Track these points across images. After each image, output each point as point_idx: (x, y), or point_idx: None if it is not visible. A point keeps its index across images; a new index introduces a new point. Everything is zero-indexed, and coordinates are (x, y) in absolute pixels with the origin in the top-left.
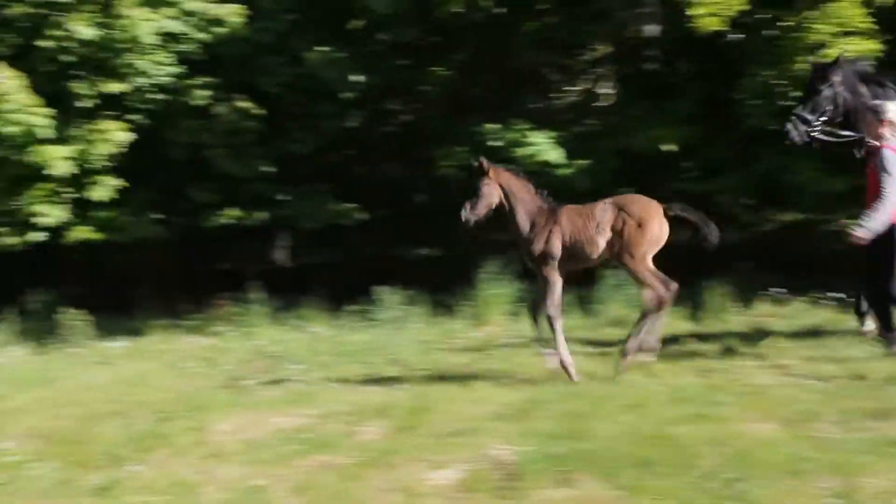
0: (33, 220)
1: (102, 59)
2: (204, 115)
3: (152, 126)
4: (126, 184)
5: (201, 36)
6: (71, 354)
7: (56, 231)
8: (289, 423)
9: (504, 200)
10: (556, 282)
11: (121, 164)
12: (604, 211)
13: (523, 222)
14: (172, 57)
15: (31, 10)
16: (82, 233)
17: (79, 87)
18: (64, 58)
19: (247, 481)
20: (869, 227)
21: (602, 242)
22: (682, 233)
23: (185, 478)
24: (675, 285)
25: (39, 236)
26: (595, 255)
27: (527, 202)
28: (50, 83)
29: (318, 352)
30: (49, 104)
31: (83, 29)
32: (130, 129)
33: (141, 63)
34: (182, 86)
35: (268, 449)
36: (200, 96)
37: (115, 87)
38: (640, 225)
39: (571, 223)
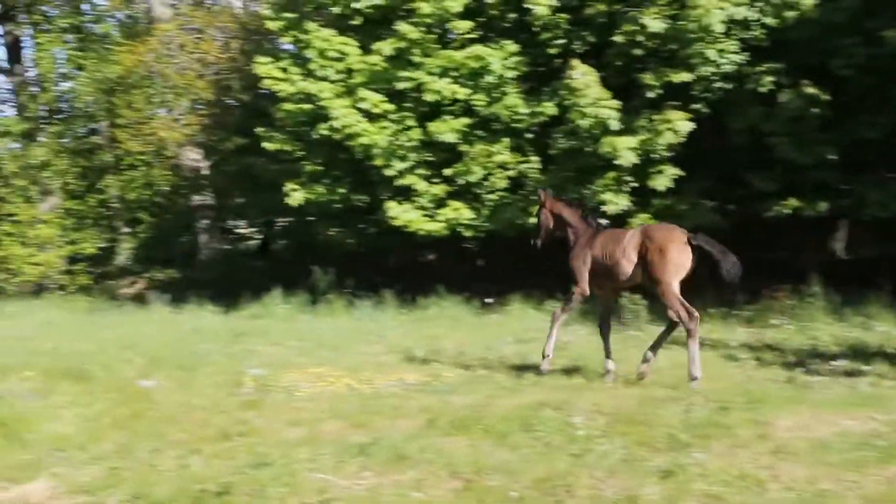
0: (602, 208)
1: (671, 50)
2: (767, 101)
3: (711, 114)
4: (683, 172)
5: (769, 20)
6: (629, 337)
7: (618, 218)
8: (857, 426)
9: (558, 226)
10: (577, 296)
11: (679, 153)
12: (632, 237)
13: (570, 244)
14: (737, 44)
15: (609, 8)
16: (642, 220)
17: (647, 78)
18: (633, 51)
19: (814, 484)
20: None
21: (627, 266)
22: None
23: (748, 471)
24: (696, 314)
25: (604, 223)
26: (623, 277)
27: (575, 226)
28: (619, 76)
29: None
30: (616, 96)
31: (653, 22)
32: (691, 119)
33: (709, 52)
34: (745, 72)
35: (835, 451)
36: (765, 82)
37: (682, 77)
38: (661, 251)
39: (602, 246)
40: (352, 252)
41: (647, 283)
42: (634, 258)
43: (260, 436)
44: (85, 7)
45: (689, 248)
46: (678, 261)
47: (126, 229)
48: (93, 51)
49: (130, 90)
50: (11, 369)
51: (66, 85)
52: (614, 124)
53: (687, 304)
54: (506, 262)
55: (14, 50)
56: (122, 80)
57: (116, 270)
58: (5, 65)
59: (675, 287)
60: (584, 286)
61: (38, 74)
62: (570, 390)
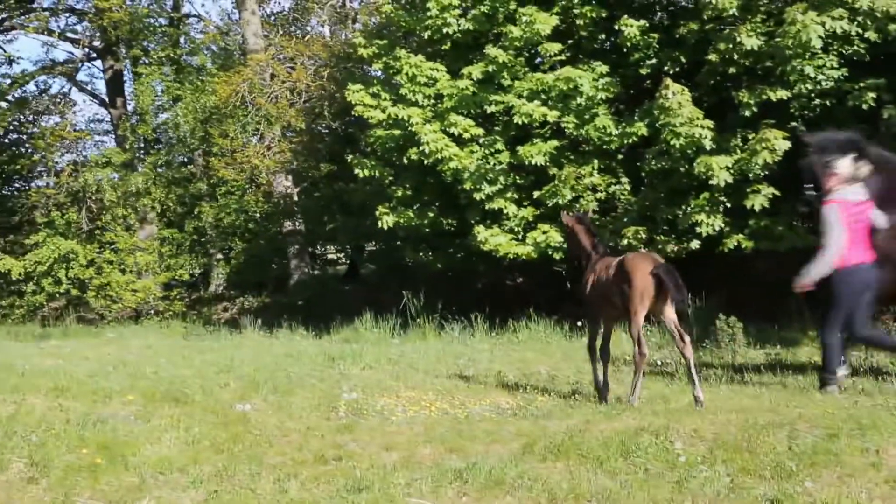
0: (697, 229)
1: (767, 67)
2: (868, 118)
3: (808, 133)
4: (779, 192)
5: (871, 35)
6: (726, 361)
7: (710, 239)
8: None
9: (575, 249)
10: (594, 324)
11: (775, 172)
12: (614, 265)
13: (584, 268)
14: (837, 59)
15: (701, 27)
16: (736, 241)
17: (742, 96)
18: (727, 69)
19: None
20: (808, 275)
21: (612, 293)
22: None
23: (861, 501)
24: (645, 353)
25: (696, 244)
26: (619, 304)
27: (586, 250)
28: (712, 95)
29: None
30: (709, 116)
31: (748, 39)
32: (787, 137)
33: (807, 68)
34: (845, 89)
35: None
36: (866, 99)
37: (779, 95)
38: (629, 281)
39: (597, 273)
40: (440, 276)
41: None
42: (614, 287)
43: (356, 460)
44: (182, 40)
45: (651, 278)
46: (641, 290)
47: (220, 255)
48: (189, 82)
49: (225, 120)
50: (114, 393)
51: (163, 116)
52: (708, 144)
53: (642, 340)
54: None
55: (115, 84)
56: (216, 110)
57: (210, 296)
58: (106, 98)
59: (640, 318)
60: (594, 315)
61: (136, 106)
62: (668, 415)
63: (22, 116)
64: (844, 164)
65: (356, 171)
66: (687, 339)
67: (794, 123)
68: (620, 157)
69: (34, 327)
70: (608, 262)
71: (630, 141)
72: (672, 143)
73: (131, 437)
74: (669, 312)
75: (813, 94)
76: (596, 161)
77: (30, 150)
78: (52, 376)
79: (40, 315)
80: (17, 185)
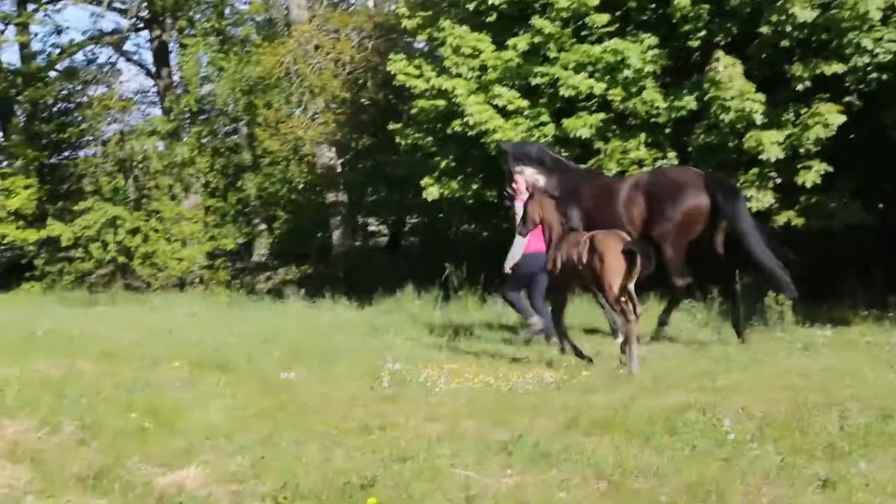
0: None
1: (822, 40)
2: None
3: (864, 107)
4: (832, 168)
5: None
6: (775, 339)
7: (760, 215)
8: None
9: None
10: (560, 295)
11: (827, 148)
12: (585, 243)
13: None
14: (895, 31)
15: None
16: (786, 217)
17: (796, 70)
18: (781, 42)
19: None
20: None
21: (581, 268)
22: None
23: None
24: (634, 317)
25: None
26: (586, 278)
27: (552, 226)
28: (764, 68)
29: None
30: (761, 89)
31: (803, 11)
32: (841, 112)
33: (865, 41)
34: None
35: None
36: None
37: (834, 69)
38: (601, 258)
39: (566, 251)
40: (483, 248)
41: (592, 284)
42: (585, 262)
43: (400, 430)
44: (226, 11)
45: (623, 255)
46: (614, 266)
47: (263, 226)
48: (234, 53)
49: (269, 91)
50: (161, 359)
51: (208, 87)
52: (759, 118)
53: (624, 307)
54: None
55: (161, 54)
56: (261, 81)
57: (254, 265)
58: (152, 68)
59: (615, 290)
60: (560, 285)
61: (182, 77)
62: (715, 392)
63: (70, 86)
64: (528, 172)
65: (398, 140)
66: (638, 312)
67: (849, 98)
68: (668, 131)
69: (83, 294)
70: (576, 240)
71: (678, 115)
72: (721, 117)
73: (178, 403)
74: (630, 285)
75: (869, 68)
76: (643, 135)
77: (78, 120)
78: (101, 342)
79: (88, 282)
80: (66, 153)
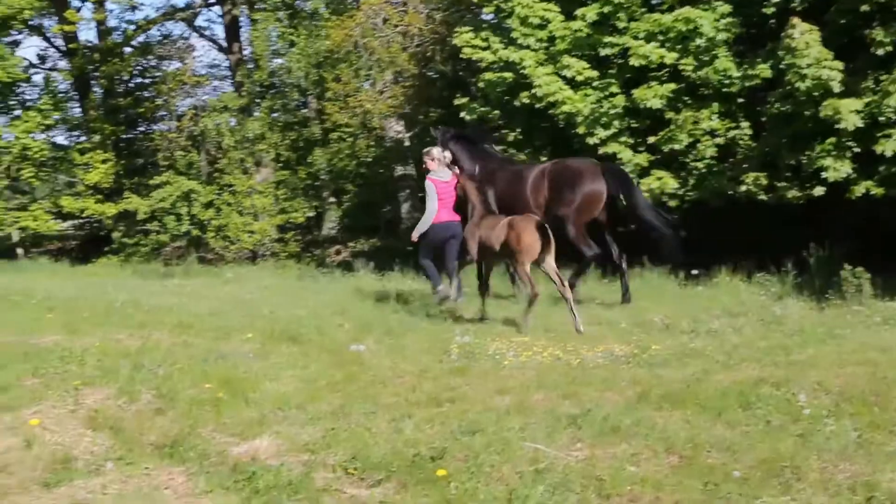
0: (823, 174)
1: None
2: None
3: None
4: None
5: None
6: (853, 312)
7: (836, 185)
8: None
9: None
10: (478, 265)
11: None
12: (503, 226)
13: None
14: None
15: None
16: (864, 187)
17: (877, 35)
18: (860, 7)
19: None
20: (417, 230)
21: (498, 246)
22: None
23: None
24: (539, 289)
25: (820, 190)
26: (502, 254)
27: (475, 206)
28: (842, 34)
29: None
30: (839, 56)
31: None
32: None
33: None
34: None
35: None
36: None
37: None
38: (518, 238)
39: (484, 231)
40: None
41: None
42: (503, 240)
43: (469, 403)
44: None
45: (537, 234)
46: (529, 245)
47: (332, 199)
48: (303, 27)
49: (338, 64)
50: (234, 331)
51: (278, 61)
52: (836, 86)
53: (532, 281)
54: (712, 233)
55: (232, 29)
56: (330, 54)
57: (324, 238)
58: (224, 43)
59: (526, 265)
60: (473, 254)
61: (252, 52)
62: (789, 367)
63: (145, 62)
64: (435, 152)
65: (464, 115)
66: (565, 283)
67: None
68: (741, 100)
69: (158, 266)
70: (494, 223)
71: (752, 84)
72: (797, 85)
73: (251, 374)
74: (550, 261)
75: None
76: (715, 105)
77: (153, 95)
78: (176, 313)
79: (163, 255)
80: (141, 128)
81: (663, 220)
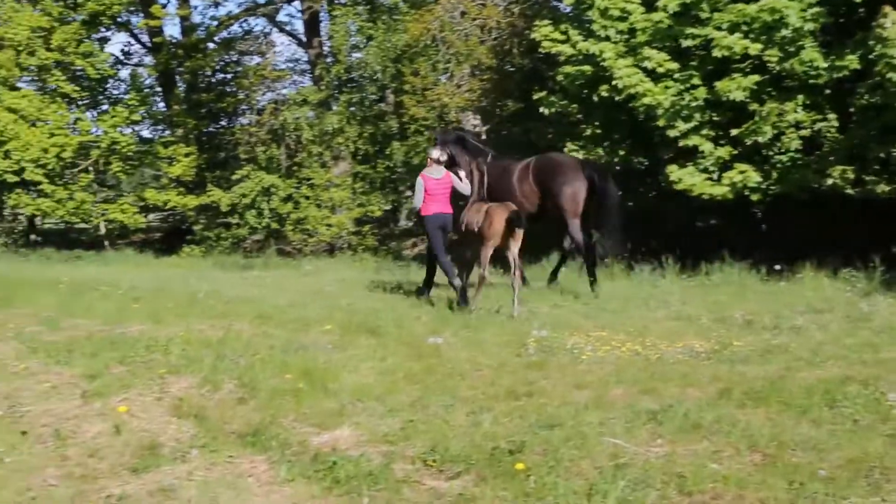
0: None
1: None
2: None
3: None
4: None
5: None
6: None
7: None
8: None
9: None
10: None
11: None
12: (484, 210)
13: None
14: None
15: None
16: None
17: None
18: None
19: None
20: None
21: (476, 229)
22: None
23: None
24: (486, 277)
25: None
26: (477, 235)
27: (473, 194)
28: None
29: None
30: None
31: None
32: None
33: None
34: None
35: None
36: None
37: None
38: (490, 222)
39: (471, 215)
40: (629, 216)
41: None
42: (480, 225)
43: (547, 397)
44: None
45: (505, 222)
46: (496, 230)
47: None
48: (381, 21)
49: (416, 58)
50: (313, 322)
51: (356, 55)
52: None
53: (486, 265)
54: (795, 228)
55: (311, 24)
56: (408, 48)
57: (400, 232)
58: (304, 38)
59: (488, 249)
60: (457, 235)
61: (331, 46)
62: (878, 365)
63: (227, 57)
64: (436, 153)
65: (542, 109)
66: (518, 272)
67: None
68: (827, 91)
69: (238, 258)
70: (478, 208)
71: (839, 75)
72: (889, 76)
73: (330, 365)
74: (514, 249)
75: None
76: (800, 96)
77: (234, 90)
78: (256, 305)
79: (244, 247)
80: (223, 122)
81: (624, 218)
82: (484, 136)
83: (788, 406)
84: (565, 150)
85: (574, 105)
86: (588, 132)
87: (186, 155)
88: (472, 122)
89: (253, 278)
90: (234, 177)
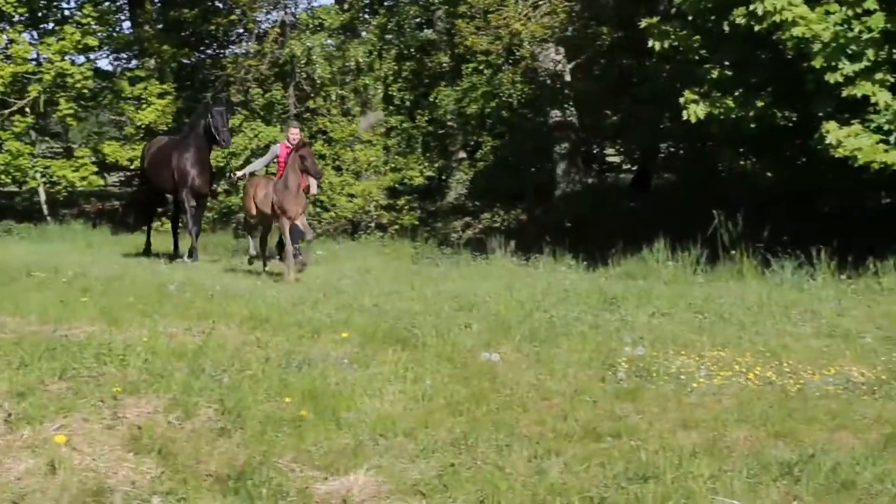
0: None
1: None
2: None
3: None
4: None
5: None
6: None
7: None
8: None
9: None
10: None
11: None
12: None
13: None
14: None
15: None
16: None
17: None
18: None
19: None
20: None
21: None
22: None
23: None
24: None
25: None
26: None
27: None
28: None
29: None
30: None
31: None
32: None
33: None
34: None
35: None
36: None
37: None
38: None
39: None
40: (769, 192)
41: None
42: None
43: (641, 438)
44: None
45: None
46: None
47: (462, 155)
48: None
49: None
50: (324, 328)
51: None
52: None
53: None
54: None
55: None
56: None
57: (449, 208)
58: None
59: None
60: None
61: None
62: None
63: None
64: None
65: (652, 42)
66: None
67: None
68: None
69: (227, 238)
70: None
71: None
72: None
73: (345, 387)
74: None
75: None
76: None
77: (227, 7)
78: (248, 301)
79: (234, 221)
80: (209, 51)
81: None
82: (569, 78)
83: None
84: (682, 99)
85: (697, 37)
86: (715, 75)
87: (160, 95)
88: (553, 57)
89: (245, 265)
90: None
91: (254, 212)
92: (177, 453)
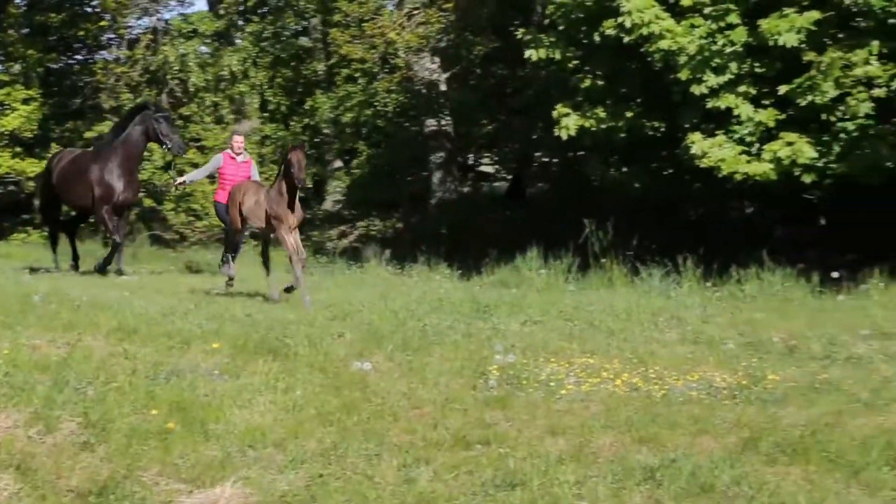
0: None
1: None
2: None
3: None
4: None
5: None
6: None
7: None
8: None
9: None
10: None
11: None
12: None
13: None
14: None
15: None
16: None
17: None
18: None
19: None
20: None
21: None
22: None
23: None
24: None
25: None
26: None
27: None
28: None
29: None
30: None
31: None
32: None
33: None
34: None
35: None
36: None
37: None
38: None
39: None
40: (638, 201)
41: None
42: None
43: (509, 445)
44: None
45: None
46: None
47: (338, 163)
48: None
49: None
50: (194, 338)
51: None
52: None
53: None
54: (864, 222)
55: None
56: None
57: (324, 216)
58: None
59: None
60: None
61: None
62: None
63: None
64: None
65: (527, 52)
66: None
67: None
68: None
69: (95, 247)
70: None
71: None
72: None
73: (214, 398)
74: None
75: None
76: (874, 43)
77: (96, 10)
78: (116, 312)
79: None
80: (78, 56)
81: None
82: (444, 87)
83: (835, 464)
84: (554, 112)
85: (570, 48)
86: (586, 84)
87: (25, 101)
88: (428, 66)
89: (114, 275)
90: (90, 134)
91: (239, 224)
92: (37, 468)
